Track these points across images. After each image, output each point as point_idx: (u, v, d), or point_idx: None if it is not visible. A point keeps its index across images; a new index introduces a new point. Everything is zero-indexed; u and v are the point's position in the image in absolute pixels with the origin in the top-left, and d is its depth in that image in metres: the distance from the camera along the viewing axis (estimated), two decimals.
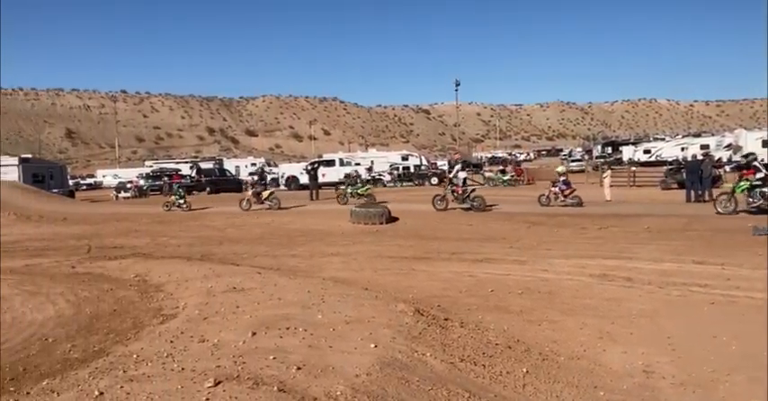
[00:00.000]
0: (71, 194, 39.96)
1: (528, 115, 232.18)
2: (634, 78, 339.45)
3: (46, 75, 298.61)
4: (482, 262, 11.16)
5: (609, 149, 68.78)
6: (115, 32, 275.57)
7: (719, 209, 17.20)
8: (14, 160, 39.45)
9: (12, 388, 4.77)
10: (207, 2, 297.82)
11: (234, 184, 43.45)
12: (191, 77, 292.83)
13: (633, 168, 36.92)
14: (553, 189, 22.26)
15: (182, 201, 25.66)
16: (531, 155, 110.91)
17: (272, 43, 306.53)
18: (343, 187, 26.79)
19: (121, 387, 4.22)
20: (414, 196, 28.60)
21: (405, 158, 48.30)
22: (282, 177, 44.94)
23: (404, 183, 43.12)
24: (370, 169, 41.57)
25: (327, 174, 40.38)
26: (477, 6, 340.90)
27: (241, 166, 59.69)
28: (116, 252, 13.76)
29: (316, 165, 38.21)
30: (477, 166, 58.55)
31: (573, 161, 58.70)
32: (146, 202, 35.48)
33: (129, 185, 44.69)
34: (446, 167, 51.98)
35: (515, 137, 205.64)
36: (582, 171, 45.42)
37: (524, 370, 5.50)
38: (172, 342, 5.58)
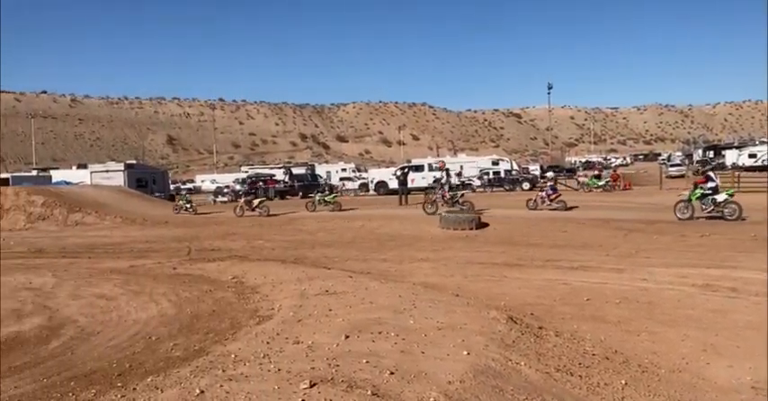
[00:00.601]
0: (172, 198, 41.69)
1: (624, 118, 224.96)
2: (738, 78, 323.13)
3: (149, 85, 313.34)
4: (577, 269, 10.88)
5: (710, 153, 65.73)
6: (213, 42, 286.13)
7: (678, 215, 18.43)
8: (120, 166, 41.67)
9: (119, 384, 5.01)
10: (299, 11, 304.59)
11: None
12: (285, 85, 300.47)
13: (737, 173, 35.09)
14: (540, 194, 23.58)
15: (188, 206, 28.61)
16: (628, 159, 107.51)
17: (362, 50, 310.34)
18: (312, 195, 29.64)
19: (221, 386, 4.35)
20: (504, 201, 28.20)
21: (495, 163, 47.66)
22: (372, 182, 45.34)
23: (494, 188, 42.59)
24: (459, 174, 41.30)
25: (416, 180, 40.39)
26: (569, 5, 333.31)
27: (332, 171, 60.74)
28: (214, 254, 14.24)
29: (405, 170, 38.33)
30: (570, 171, 57.13)
31: (672, 166, 56.19)
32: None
33: (225, 190, 46.16)
34: (538, 172, 51.00)
35: (611, 141, 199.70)
36: (682, 176, 43.60)
37: (623, 382, 5.30)
38: (268, 343, 5.72)
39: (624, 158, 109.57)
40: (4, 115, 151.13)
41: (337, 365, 4.80)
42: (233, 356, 5.27)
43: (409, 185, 33.70)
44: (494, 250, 13.67)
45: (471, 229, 17.30)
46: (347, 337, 5.72)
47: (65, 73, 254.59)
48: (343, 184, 51.63)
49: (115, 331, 7.13)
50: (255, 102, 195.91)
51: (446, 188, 22.85)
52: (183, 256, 14.16)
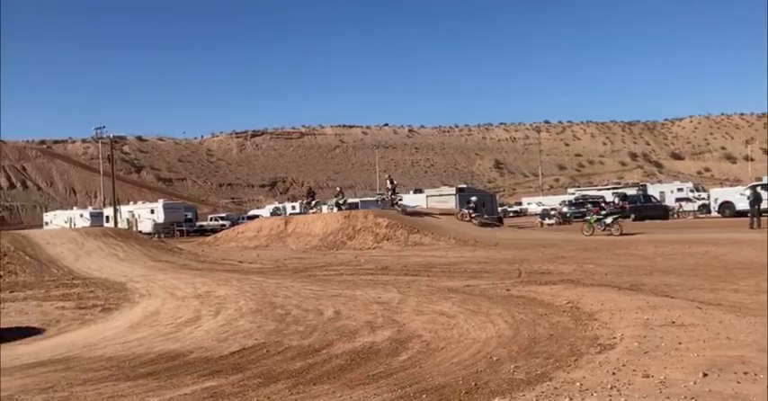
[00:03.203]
0: (500, 220, 42.76)
1: None
2: None
3: (478, 113, 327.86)
4: None
5: None
6: (534, 67, 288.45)
7: (584, 233, 26.92)
8: (452, 190, 44.08)
9: None
10: (623, 26, 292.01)
11: (660, 211, 41.47)
12: (612, 103, 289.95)
13: None
14: (464, 211, 34.09)
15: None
16: None
17: (700, 58, 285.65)
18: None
19: None
20: None
21: None
22: (716, 202, 41.25)
23: None
24: None
25: None
26: None
27: (666, 192, 56.60)
28: (545, 277, 14.12)
29: (757, 189, 34.08)
30: None
31: None
32: (569, 229, 36.02)
33: (552, 212, 45.98)
34: None
35: None
36: None
37: None
38: (614, 373, 5.42)
39: None
40: (354, 147, 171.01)
41: None
42: (578, 384, 5.09)
43: (763, 206, 29.86)
44: None
45: None
46: (705, 375, 5.15)
47: (404, 106, 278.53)
48: (680, 206, 47.93)
49: (457, 348, 7.38)
50: (581, 122, 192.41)
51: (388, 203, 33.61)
52: (515, 278, 14.28)
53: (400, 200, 36.44)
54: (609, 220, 26.42)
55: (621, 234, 25.54)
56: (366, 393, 5.58)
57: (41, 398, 5.93)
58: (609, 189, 56.43)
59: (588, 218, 28.38)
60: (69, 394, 6.04)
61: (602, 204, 33.86)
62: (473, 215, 32.86)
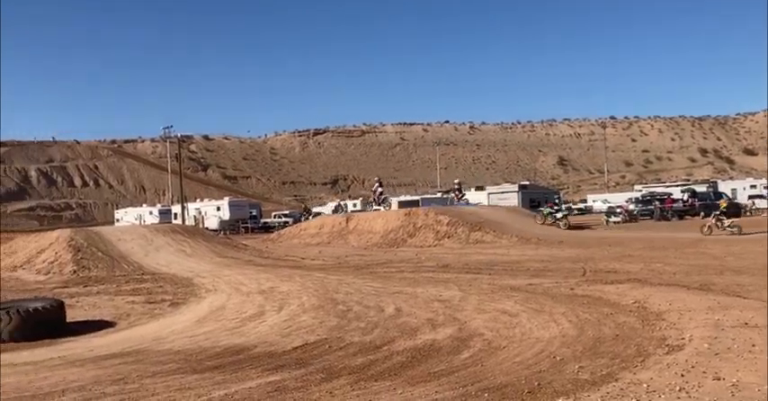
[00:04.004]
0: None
1: None
2: None
3: (540, 109, 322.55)
4: None
5: None
6: (601, 62, 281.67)
7: (538, 223, 31.27)
8: (515, 187, 43.63)
9: None
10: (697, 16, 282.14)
11: (731, 208, 40.02)
12: (680, 97, 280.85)
13: None
14: (452, 194, 36.87)
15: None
16: None
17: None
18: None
19: None
20: None
21: None
22: None
23: None
24: None
25: None
26: None
27: (738, 188, 54.63)
28: (611, 276, 13.82)
29: None
30: None
31: None
32: (636, 227, 35.17)
33: (618, 210, 44.89)
34: None
35: None
36: None
37: None
38: (682, 375, 5.28)
39: None
40: (414, 144, 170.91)
41: None
42: (645, 386, 4.97)
43: None
44: None
45: None
46: None
47: (465, 103, 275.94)
48: (753, 203, 46.18)
49: (519, 347, 7.30)
50: (649, 118, 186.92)
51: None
52: (579, 277, 14.02)
53: (385, 198, 37.72)
54: (559, 215, 31.86)
55: (568, 228, 30.70)
56: (427, 390, 5.58)
57: (113, 389, 6.14)
58: (677, 186, 54.70)
59: (542, 209, 34.14)
60: (139, 385, 6.24)
61: (556, 200, 39.53)
62: (460, 197, 35.96)
